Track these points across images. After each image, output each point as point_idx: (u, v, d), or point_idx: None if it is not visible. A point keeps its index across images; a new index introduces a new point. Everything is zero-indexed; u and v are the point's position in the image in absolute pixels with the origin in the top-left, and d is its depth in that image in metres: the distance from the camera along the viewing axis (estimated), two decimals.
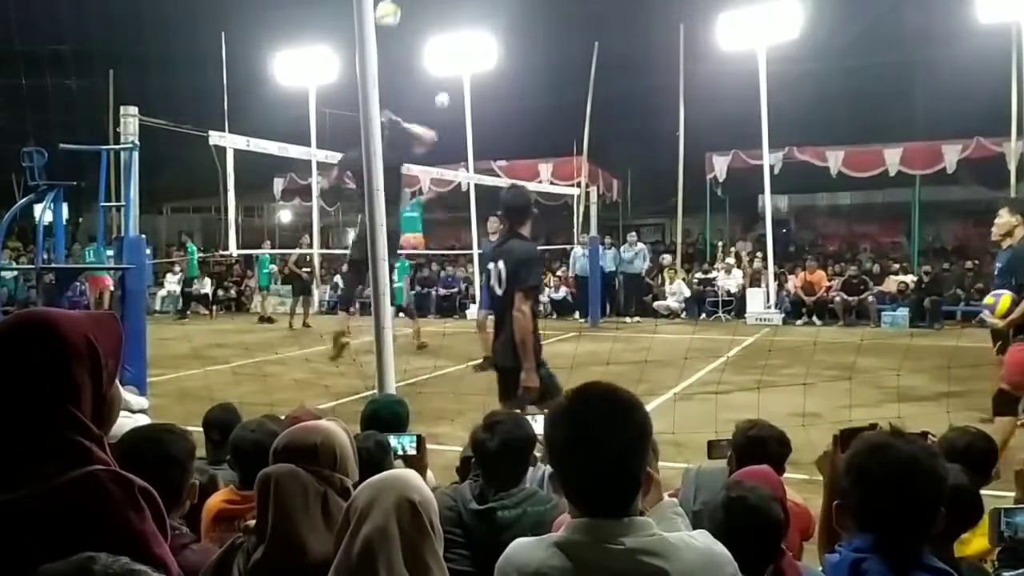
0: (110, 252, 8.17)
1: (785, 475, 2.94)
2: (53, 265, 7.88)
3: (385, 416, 3.43)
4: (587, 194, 17.14)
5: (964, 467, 2.55)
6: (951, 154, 16.94)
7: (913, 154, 17.37)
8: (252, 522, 1.97)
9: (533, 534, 1.69)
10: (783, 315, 15.96)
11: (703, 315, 16.62)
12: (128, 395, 4.77)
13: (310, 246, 17.28)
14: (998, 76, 14.62)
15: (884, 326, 15.11)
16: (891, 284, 16.27)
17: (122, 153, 6.81)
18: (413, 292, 14.36)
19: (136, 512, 1.31)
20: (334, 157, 11.00)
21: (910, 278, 16.21)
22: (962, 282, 16.46)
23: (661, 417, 5.78)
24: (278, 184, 21.80)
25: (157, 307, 18.88)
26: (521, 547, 1.60)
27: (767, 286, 16.29)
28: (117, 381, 1.49)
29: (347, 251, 10.37)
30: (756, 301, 16.23)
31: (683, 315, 16.91)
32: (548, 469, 2.76)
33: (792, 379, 8.38)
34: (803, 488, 3.16)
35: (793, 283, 16.78)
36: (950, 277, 16.66)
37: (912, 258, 18.59)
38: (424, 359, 10.36)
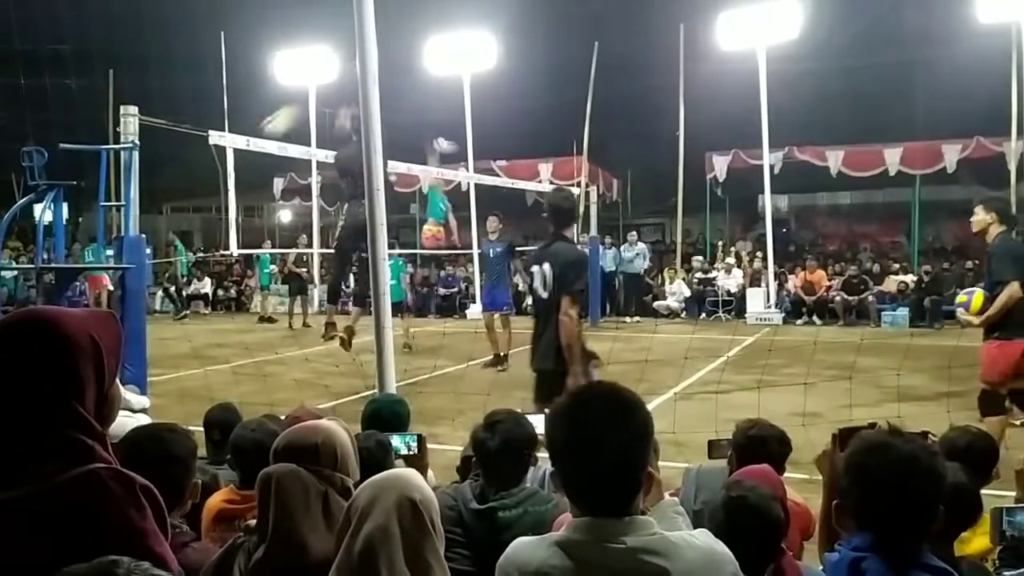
0: (110, 252, 8.17)
1: (785, 474, 2.95)
2: (53, 265, 7.88)
3: (386, 416, 3.43)
4: (587, 194, 17.14)
5: (964, 467, 2.55)
6: (951, 154, 16.94)
7: (913, 154, 17.37)
8: (253, 521, 1.97)
9: (534, 533, 1.69)
10: (783, 315, 15.96)
11: (703, 315, 16.62)
12: (129, 395, 4.78)
13: (307, 245, 17.26)
14: (998, 76, 14.61)
15: (884, 326, 15.11)
16: (891, 284, 16.27)
17: (122, 153, 6.82)
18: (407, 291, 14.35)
19: (137, 510, 1.32)
20: (334, 157, 10.99)
21: (910, 278, 16.21)
22: (962, 282, 16.44)
23: (661, 417, 5.78)
24: (278, 184, 21.80)
25: (157, 307, 18.88)
26: (522, 546, 1.60)
27: (767, 286, 16.29)
28: (117, 379, 1.49)
29: None
30: (756, 301, 16.23)
31: (683, 315, 16.91)
32: (549, 468, 2.76)
33: (792, 379, 8.39)
34: (803, 487, 3.16)
35: (793, 283, 16.78)
36: (950, 277, 16.66)
37: (912, 258, 18.59)
38: (424, 358, 10.37)
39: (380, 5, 4.88)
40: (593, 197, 17.26)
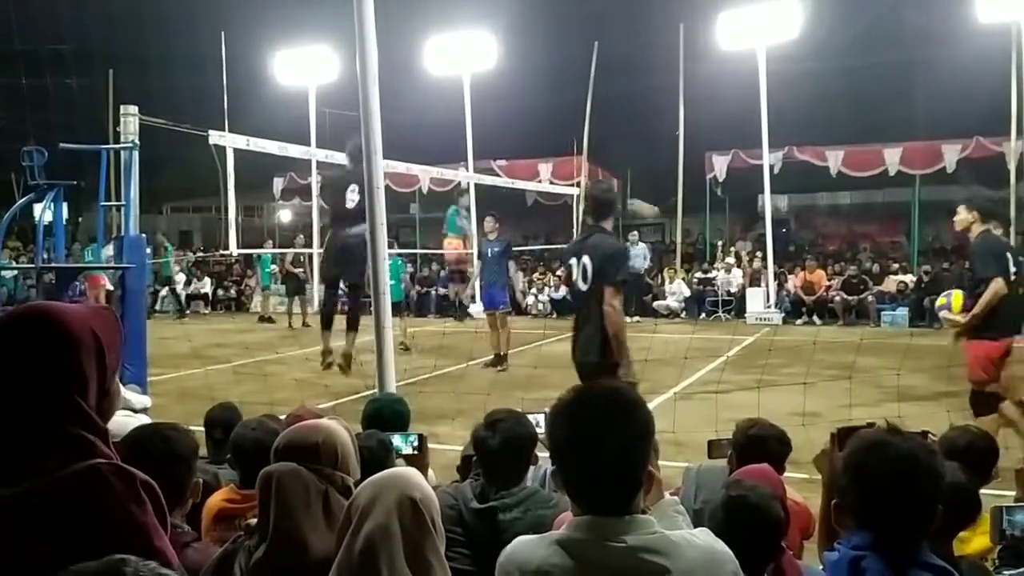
0: (109, 252, 8.17)
1: (785, 474, 2.95)
2: (53, 265, 7.87)
3: (387, 415, 3.44)
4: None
5: (963, 466, 2.55)
6: (951, 154, 16.95)
7: (913, 154, 17.37)
8: (253, 521, 1.97)
9: (534, 532, 1.70)
10: (783, 315, 15.96)
11: (703, 315, 16.63)
12: (130, 394, 4.77)
13: (304, 245, 17.23)
14: (998, 76, 14.62)
15: (884, 326, 15.11)
16: (891, 284, 16.28)
17: (122, 153, 6.81)
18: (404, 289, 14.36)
19: (138, 505, 1.32)
20: (334, 157, 11.00)
21: (910, 278, 16.22)
22: (961, 282, 16.41)
23: (661, 416, 5.76)
24: (278, 184, 21.81)
25: (157, 307, 18.86)
26: (522, 545, 1.61)
27: (767, 286, 16.30)
28: (116, 376, 1.49)
29: None
30: (756, 301, 16.24)
31: (683, 315, 16.91)
32: (549, 468, 2.77)
33: (792, 378, 8.39)
34: (803, 487, 3.17)
35: (793, 283, 16.79)
36: (950, 277, 16.64)
37: (912, 258, 18.60)
38: (424, 358, 10.37)
39: (380, 5, 4.88)
40: None
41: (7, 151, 10.32)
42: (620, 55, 18.70)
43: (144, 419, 3.76)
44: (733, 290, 16.85)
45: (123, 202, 6.88)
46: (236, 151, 8.17)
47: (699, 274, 17.78)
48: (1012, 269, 5.68)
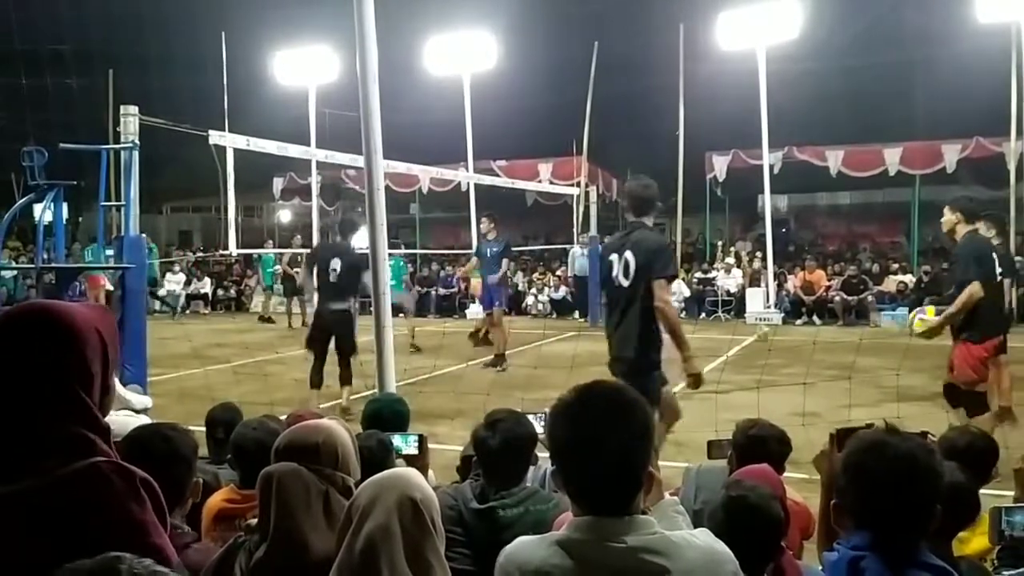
0: (109, 252, 8.17)
1: (785, 474, 2.95)
2: (53, 265, 7.88)
3: (387, 415, 3.45)
4: (587, 194, 17.15)
5: (962, 466, 2.55)
6: (951, 154, 16.95)
7: (913, 154, 17.38)
8: (254, 521, 1.97)
9: (534, 533, 1.70)
10: (783, 315, 15.97)
11: (703, 315, 16.63)
12: (131, 395, 4.78)
13: (302, 245, 17.22)
14: (998, 76, 14.62)
15: (883, 325, 15.11)
16: (891, 284, 16.28)
17: (122, 153, 6.82)
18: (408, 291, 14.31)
19: (138, 503, 1.33)
20: (334, 157, 11.01)
21: (909, 278, 16.21)
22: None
23: None
24: (278, 184, 21.81)
25: (157, 307, 18.85)
26: (522, 545, 1.61)
27: (767, 286, 16.30)
28: (114, 374, 1.50)
29: None
30: (756, 301, 16.24)
31: (683, 315, 16.90)
32: (549, 468, 2.77)
33: (792, 379, 8.39)
34: (803, 487, 3.17)
35: (793, 283, 16.79)
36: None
37: (912, 258, 18.60)
38: (424, 358, 10.37)
39: (380, 5, 4.88)
40: (593, 197, 17.26)
41: (7, 151, 10.33)
42: (620, 55, 18.70)
43: (145, 419, 3.76)
44: (732, 290, 16.86)
45: (123, 202, 6.89)
46: (236, 151, 8.18)
47: (699, 274, 17.79)
48: (999, 270, 5.73)
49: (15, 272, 16.53)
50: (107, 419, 1.44)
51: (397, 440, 2.98)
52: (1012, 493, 2.83)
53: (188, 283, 20.30)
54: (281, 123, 14.98)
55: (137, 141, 6.75)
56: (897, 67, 19.78)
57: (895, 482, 1.70)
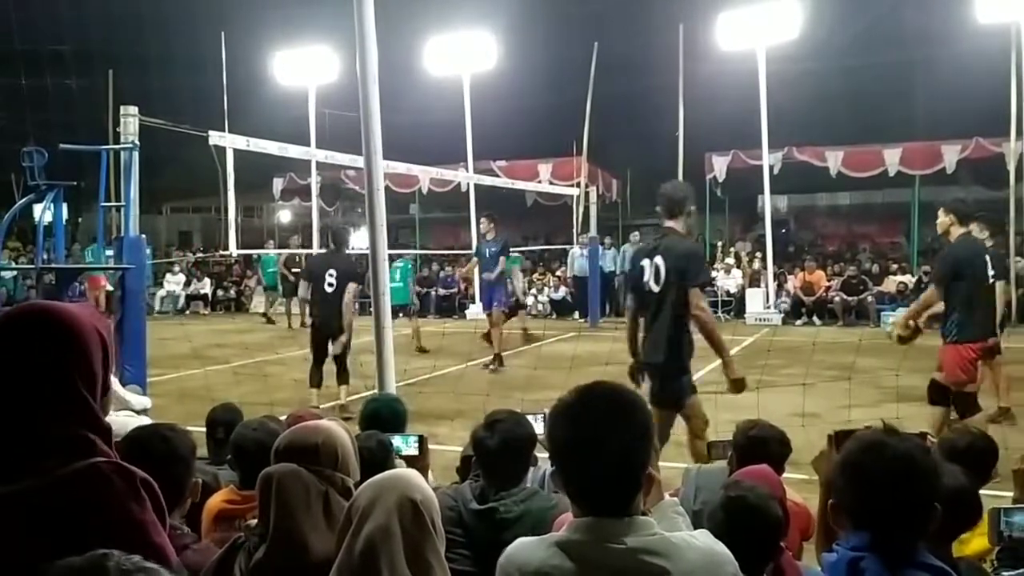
0: (109, 252, 8.18)
1: (785, 475, 2.95)
2: (53, 265, 7.88)
3: (386, 415, 3.44)
4: (587, 194, 17.16)
5: (964, 467, 2.55)
6: (951, 154, 16.94)
7: (913, 154, 17.37)
8: (253, 521, 1.98)
9: (534, 533, 1.70)
10: (782, 315, 15.97)
11: None
12: (130, 395, 4.79)
13: (301, 245, 17.20)
14: (998, 76, 14.61)
15: (884, 326, 15.11)
16: (890, 284, 16.28)
17: (122, 153, 6.82)
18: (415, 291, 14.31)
19: (137, 503, 1.33)
20: (333, 157, 11.01)
21: (909, 278, 16.21)
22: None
23: None
24: (277, 184, 21.81)
25: (157, 307, 18.86)
26: (522, 546, 1.61)
27: (766, 286, 16.30)
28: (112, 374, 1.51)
29: None
30: (755, 301, 16.23)
31: None
32: (549, 468, 2.77)
33: (792, 379, 8.39)
34: (803, 488, 3.17)
35: (792, 283, 16.79)
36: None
37: (911, 258, 18.60)
38: (424, 359, 10.38)
39: (380, 5, 4.88)
40: (593, 197, 17.27)
41: (7, 151, 10.33)
42: (620, 55, 18.70)
43: (145, 420, 3.77)
44: (732, 290, 16.85)
45: (123, 202, 6.89)
46: (236, 151, 8.19)
47: None
48: (990, 272, 5.77)
49: (15, 272, 16.54)
50: (107, 419, 1.44)
51: (397, 441, 2.98)
52: (1011, 494, 2.83)
53: (188, 283, 20.31)
54: (281, 123, 15.00)
55: (137, 141, 6.75)
56: (897, 67, 19.78)
57: (892, 482, 1.70)
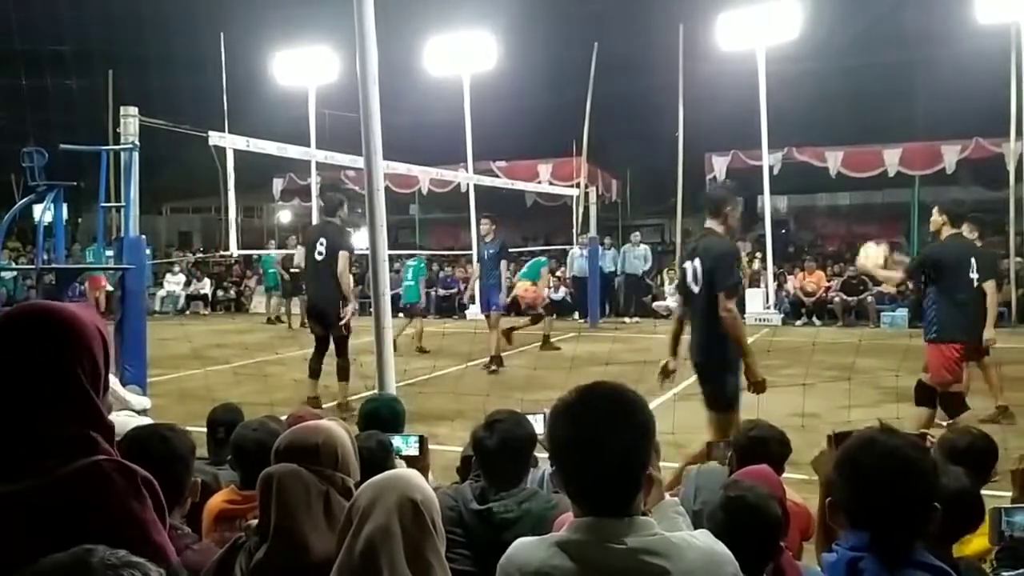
0: (109, 253, 8.18)
1: (785, 475, 2.95)
2: (53, 265, 7.88)
3: (385, 414, 3.45)
4: (586, 194, 17.16)
5: (965, 468, 2.55)
6: (950, 154, 16.95)
7: (912, 154, 17.38)
8: (254, 522, 1.98)
9: (534, 533, 1.70)
10: (782, 315, 15.96)
11: None
12: (130, 396, 4.79)
13: (297, 246, 17.13)
14: (998, 76, 14.62)
15: (883, 326, 15.12)
16: (890, 284, 16.26)
17: (122, 153, 6.82)
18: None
19: (138, 501, 1.34)
20: (333, 158, 11.01)
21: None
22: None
23: (661, 418, 5.74)
24: (277, 184, 21.81)
25: (157, 307, 18.86)
26: (523, 546, 1.61)
27: (766, 286, 16.29)
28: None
29: None
30: (755, 301, 16.22)
31: None
32: (549, 469, 2.77)
33: (791, 379, 8.38)
34: (803, 488, 3.17)
35: (792, 283, 16.78)
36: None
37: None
38: (424, 359, 10.38)
39: (380, 5, 4.88)
40: (592, 198, 17.26)
41: (7, 151, 10.34)
42: (620, 55, 18.70)
43: (147, 420, 3.77)
44: None
45: (123, 203, 6.89)
46: (236, 152, 8.19)
47: None
48: (974, 276, 5.79)
49: (15, 273, 16.55)
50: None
51: (397, 441, 2.98)
52: (1008, 493, 2.83)
53: (188, 284, 20.31)
54: (281, 124, 15.00)
55: (137, 142, 6.75)
56: (897, 67, 19.78)
57: (886, 478, 1.70)
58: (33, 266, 10.44)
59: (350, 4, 4.79)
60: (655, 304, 17.34)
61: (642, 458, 1.55)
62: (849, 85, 19.91)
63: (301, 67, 17.54)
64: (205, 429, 3.58)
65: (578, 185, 17.34)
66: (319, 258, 7.64)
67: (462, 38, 17.11)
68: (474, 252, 15.57)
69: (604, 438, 1.53)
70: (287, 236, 20.03)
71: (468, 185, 16.76)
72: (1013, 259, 14.59)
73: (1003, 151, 15.55)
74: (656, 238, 23.35)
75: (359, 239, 8.22)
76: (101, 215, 8.02)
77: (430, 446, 3.18)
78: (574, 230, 17.42)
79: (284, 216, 27.28)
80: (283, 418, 3.22)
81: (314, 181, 16.89)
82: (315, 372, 7.67)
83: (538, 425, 2.74)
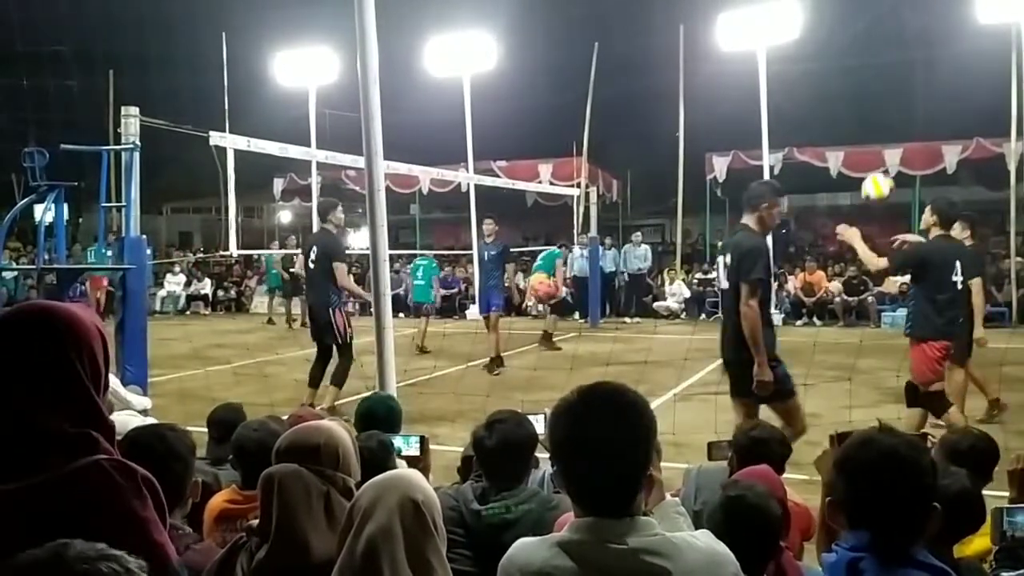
0: (110, 252, 8.18)
1: (785, 475, 2.95)
2: (54, 265, 7.89)
3: (382, 412, 3.44)
4: (587, 195, 17.15)
5: (967, 469, 2.55)
6: (951, 155, 16.94)
7: (913, 154, 17.37)
8: (255, 522, 1.98)
9: (535, 534, 1.70)
10: (783, 315, 15.96)
11: (703, 315, 16.62)
12: (131, 396, 4.78)
13: (298, 246, 17.12)
14: (998, 76, 14.61)
15: (884, 327, 15.11)
16: (891, 285, 16.26)
17: (123, 153, 6.83)
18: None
19: (139, 500, 1.34)
20: (334, 158, 11.01)
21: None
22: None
23: (661, 418, 5.73)
24: (278, 184, 21.80)
25: (157, 307, 18.85)
26: (524, 547, 1.61)
27: None
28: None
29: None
30: None
31: (683, 315, 16.91)
32: (549, 469, 2.77)
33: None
34: (803, 488, 3.17)
35: (793, 284, 16.79)
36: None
37: None
38: (424, 360, 10.38)
39: (380, 5, 4.88)
40: (593, 198, 17.26)
41: (8, 151, 10.35)
42: (620, 56, 18.71)
43: (149, 420, 3.77)
44: None
45: (124, 203, 6.89)
46: (236, 152, 8.19)
47: (699, 275, 17.77)
48: (958, 277, 5.79)
49: (16, 273, 16.54)
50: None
51: (398, 441, 2.98)
52: (1006, 494, 2.83)
53: (188, 284, 20.30)
54: (281, 124, 15.01)
55: (138, 142, 6.76)
56: (897, 67, 19.79)
57: (883, 476, 1.71)
58: (34, 266, 10.43)
59: (351, 4, 4.79)
60: (656, 304, 17.35)
61: (643, 458, 1.55)
62: (849, 85, 19.92)
63: (302, 67, 17.51)
64: (205, 429, 3.58)
65: (579, 185, 17.34)
66: (312, 266, 7.75)
67: (462, 38, 17.09)
68: (474, 252, 15.58)
69: (605, 438, 1.53)
70: (288, 236, 20.04)
71: (469, 185, 16.74)
72: (1013, 259, 14.58)
73: (1004, 151, 15.55)
74: (657, 238, 23.37)
75: (359, 239, 8.24)
76: (102, 215, 8.04)
77: (431, 446, 3.18)
78: (574, 230, 17.42)
79: (285, 216, 27.27)
80: (284, 418, 3.23)
81: (315, 181, 16.87)
82: (314, 380, 7.61)
83: (539, 425, 2.74)
